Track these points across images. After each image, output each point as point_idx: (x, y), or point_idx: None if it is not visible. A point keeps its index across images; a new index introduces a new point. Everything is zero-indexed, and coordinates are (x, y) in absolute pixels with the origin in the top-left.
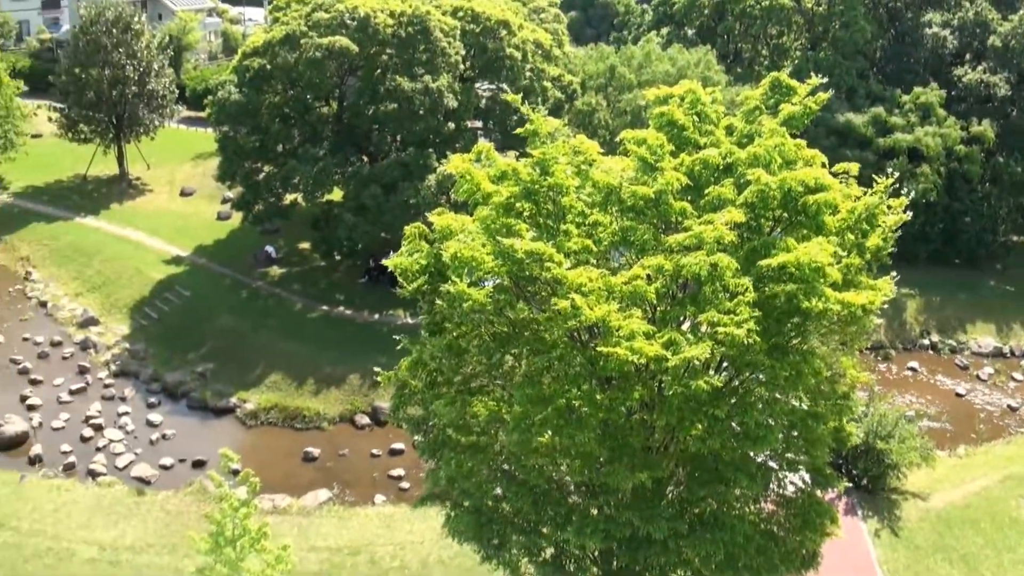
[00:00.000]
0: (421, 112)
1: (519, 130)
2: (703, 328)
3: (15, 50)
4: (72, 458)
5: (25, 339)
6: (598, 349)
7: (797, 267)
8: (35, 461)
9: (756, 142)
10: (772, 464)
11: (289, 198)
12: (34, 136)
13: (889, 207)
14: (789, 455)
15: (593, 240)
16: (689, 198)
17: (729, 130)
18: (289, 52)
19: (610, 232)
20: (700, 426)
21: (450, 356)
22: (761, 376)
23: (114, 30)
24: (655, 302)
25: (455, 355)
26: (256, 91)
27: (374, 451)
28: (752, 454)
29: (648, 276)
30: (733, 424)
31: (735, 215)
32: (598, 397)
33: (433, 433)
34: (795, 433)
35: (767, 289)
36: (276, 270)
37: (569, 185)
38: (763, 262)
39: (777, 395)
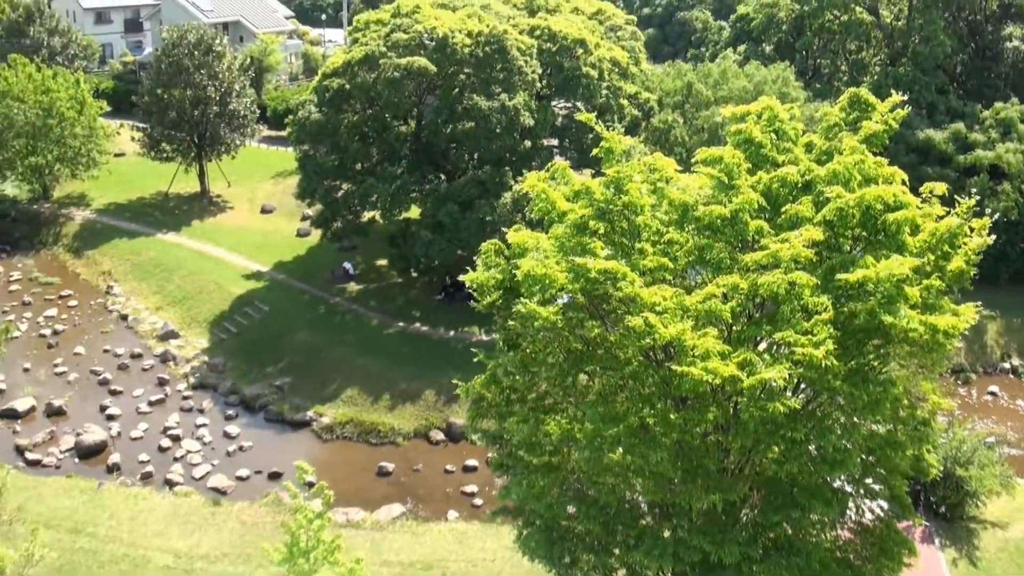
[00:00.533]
0: (498, 130)
1: (595, 151)
2: (780, 348)
3: (99, 72)
4: (150, 467)
5: (106, 351)
6: (672, 368)
7: (876, 283)
8: (113, 469)
9: (835, 159)
10: (849, 490)
11: (367, 216)
12: (117, 155)
13: (971, 229)
14: (866, 481)
15: (668, 258)
16: (766, 216)
17: (808, 147)
18: (368, 72)
19: (686, 251)
20: (776, 449)
21: (524, 373)
22: (839, 400)
23: (196, 52)
24: (730, 321)
25: (528, 372)
26: (336, 110)
27: (448, 467)
28: (828, 479)
29: (724, 295)
30: (810, 448)
31: (812, 233)
32: (672, 417)
33: (506, 449)
34: (873, 459)
35: (846, 308)
36: (354, 286)
37: (644, 204)
38: (841, 276)
39: (855, 419)
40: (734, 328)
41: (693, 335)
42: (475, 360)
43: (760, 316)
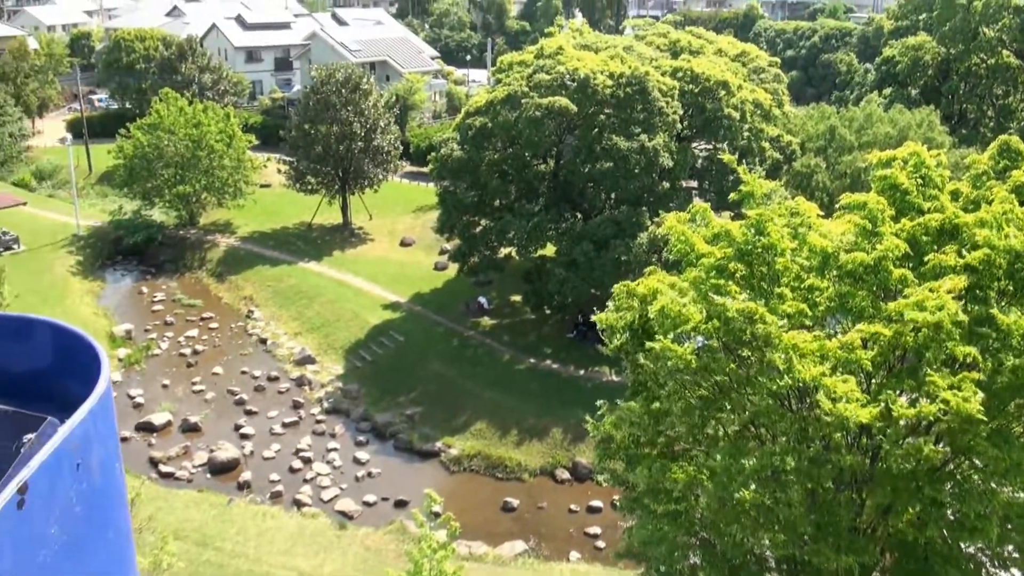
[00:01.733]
0: (636, 171)
1: (732, 195)
2: (923, 401)
3: (248, 107)
4: (279, 487)
5: (243, 372)
6: (811, 411)
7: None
8: (244, 487)
9: (983, 208)
10: (983, 559)
11: (503, 251)
12: (263, 186)
13: None
14: (1000, 551)
15: (808, 305)
16: (910, 265)
17: (954, 196)
18: (510, 111)
19: (826, 297)
20: (914, 509)
21: (652, 417)
22: (978, 462)
23: (343, 90)
24: (871, 371)
25: (657, 417)
26: (477, 148)
27: (572, 507)
28: (962, 546)
29: (864, 342)
30: (948, 512)
31: (957, 282)
32: (805, 464)
33: (632, 493)
34: (1010, 527)
35: (990, 363)
36: (487, 320)
37: (785, 247)
38: (996, 315)
39: (993, 484)
40: (873, 380)
41: (832, 380)
42: (603, 402)
43: (901, 368)
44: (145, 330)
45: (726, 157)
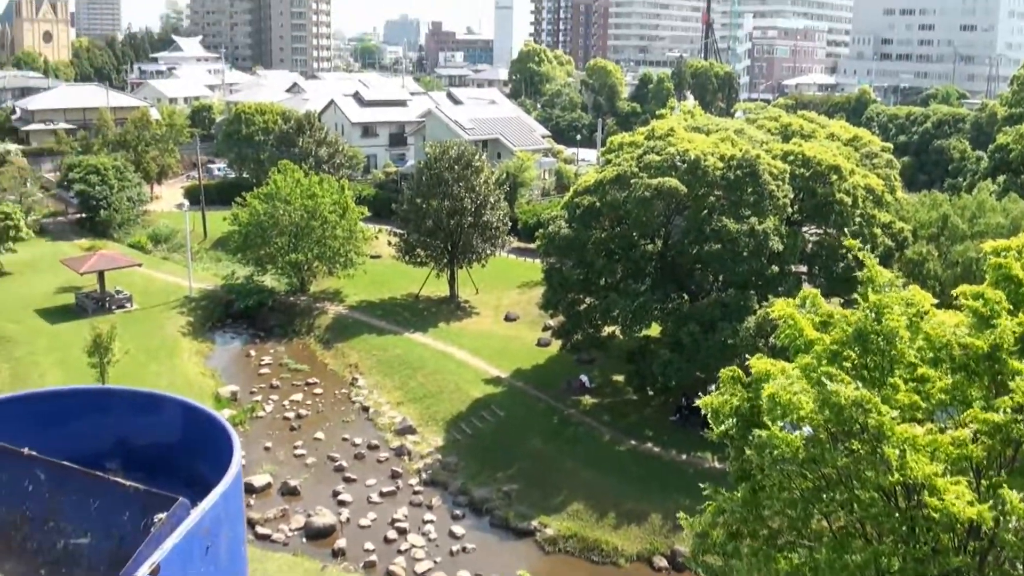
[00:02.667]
0: (745, 253)
1: (858, 273)
2: None
3: (362, 180)
4: (374, 556)
5: (344, 439)
6: (917, 510)
7: None
8: (338, 554)
9: None
10: None
11: (607, 330)
12: (373, 257)
13: None
14: None
15: (921, 397)
16: None
17: None
18: (619, 191)
19: (939, 389)
20: None
21: (755, 508)
22: None
23: (456, 166)
24: (982, 468)
25: (760, 508)
26: (584, 226)
27: None
28: None
29: (975, 436)
30: None
31: None
32: (911, 565)
33: None
34: None
35: None
36: (588, 399)
37: (903, 334)
38: None
39: None
40: (983, 481)
41: (944, 480)
42: (706, 485)
43: (1014, 466)
44: (251, 392)
45: (849, 242)
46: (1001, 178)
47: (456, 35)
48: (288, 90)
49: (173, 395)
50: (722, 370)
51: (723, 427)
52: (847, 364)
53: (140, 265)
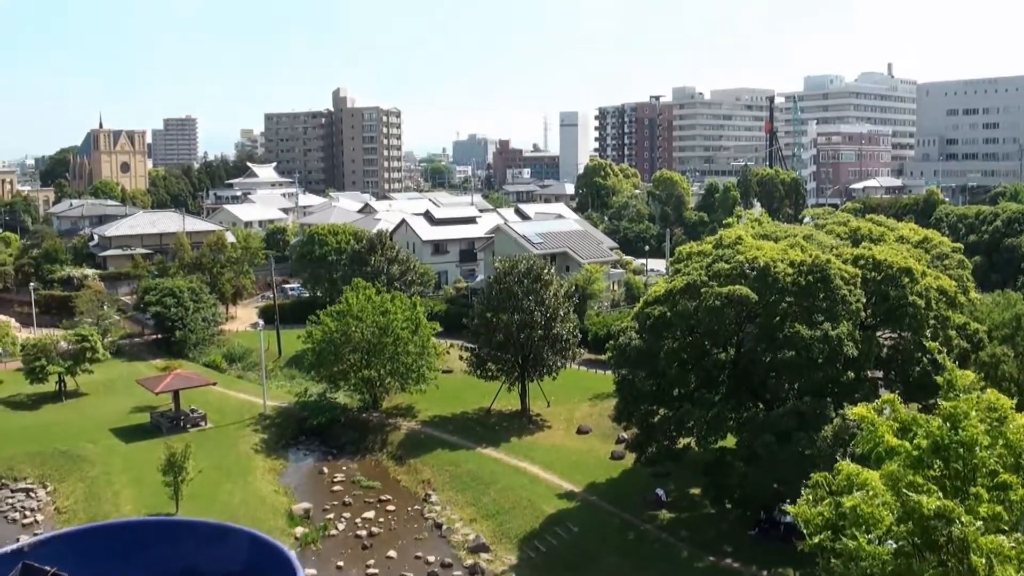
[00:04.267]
0: (819, 360)
1: (938, 378)
2: None
3: (433, 296)
4: None
5: (417, 557)
6: None
7: None
8: None
9: None
10: None
11: (682, 441)
12: (445, 371)
13: None
14: None
15: (1004, 507)
16: None
17: None
18: (689, 300)
19: (1021, 496)
20: None
21: None
22: None
23: (525, 280)
24: None
25: None
26: (656, 337)
27: None
28: None
29: None
30: None
31: None
32: None
33: None
34: None
35: None
36: (665, 514)
37: (982, 441)
38: None
39: None
40: None
41: None
42: None
43: None
44: (323, 510)
45: (931, 345)
46: None
47: (523, 152)
48: (360, 211)
49: (240, 527)
50: (813, 475)
51: (817, 539)
52: (931, 472)
53: (215, 384)
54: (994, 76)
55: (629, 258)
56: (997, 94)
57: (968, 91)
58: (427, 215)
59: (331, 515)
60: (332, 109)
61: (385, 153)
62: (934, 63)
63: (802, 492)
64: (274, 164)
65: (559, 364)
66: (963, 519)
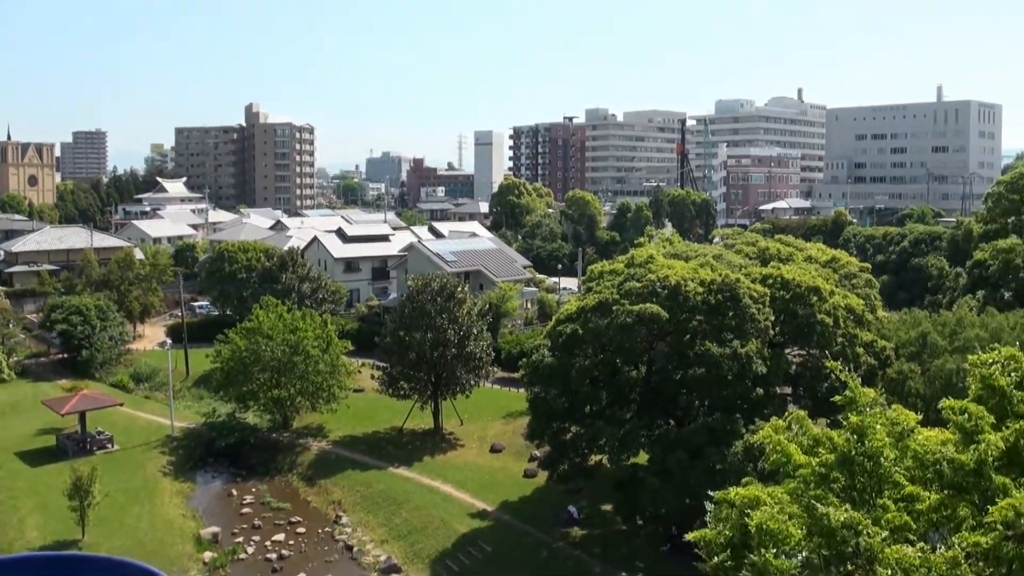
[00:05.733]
0: (729, 377)
1: (836, 398)
2: None
3: (345, 314)
4: None
5: None
6: None
7: None
8: None
9: None
10: None
11: (594, 459)
12: (356, 391)
13: None
14: None
15: (911, 517)
16: (1013, 476)
17: None
18: (601, 318)
19: (927, 507)
20: None
21: None
22: None
23: (438, 298)
24: None
25: None
26: (568, 354)
27: None
28: None
29: (967, 555)
30: None
31: None
32: None
33: None
34: None
35: None
36: (577, 531)
37: (888, 453)
38: None
39: None
40: None
41: None
42: None
43: None
44: (232, 533)
45: (831, 364)
46: (980, 293)
47: (437, 171)
48: (271, 228)
49: (138, 563)
50: (717, 493)
51: (718, 559)
52: (836, 487)
53: (122, 404)
54: (902, 103)
55: (542, 276)
56: (905, 120)
57: (876, 116)
58: (339, 232)
59: (240, 539)
60: (244, 124)
61: (297, 169)
62: (843, 89)
63: (707, 511)
64: (184, 179)
65: (472, 382)
66: (870, 530)
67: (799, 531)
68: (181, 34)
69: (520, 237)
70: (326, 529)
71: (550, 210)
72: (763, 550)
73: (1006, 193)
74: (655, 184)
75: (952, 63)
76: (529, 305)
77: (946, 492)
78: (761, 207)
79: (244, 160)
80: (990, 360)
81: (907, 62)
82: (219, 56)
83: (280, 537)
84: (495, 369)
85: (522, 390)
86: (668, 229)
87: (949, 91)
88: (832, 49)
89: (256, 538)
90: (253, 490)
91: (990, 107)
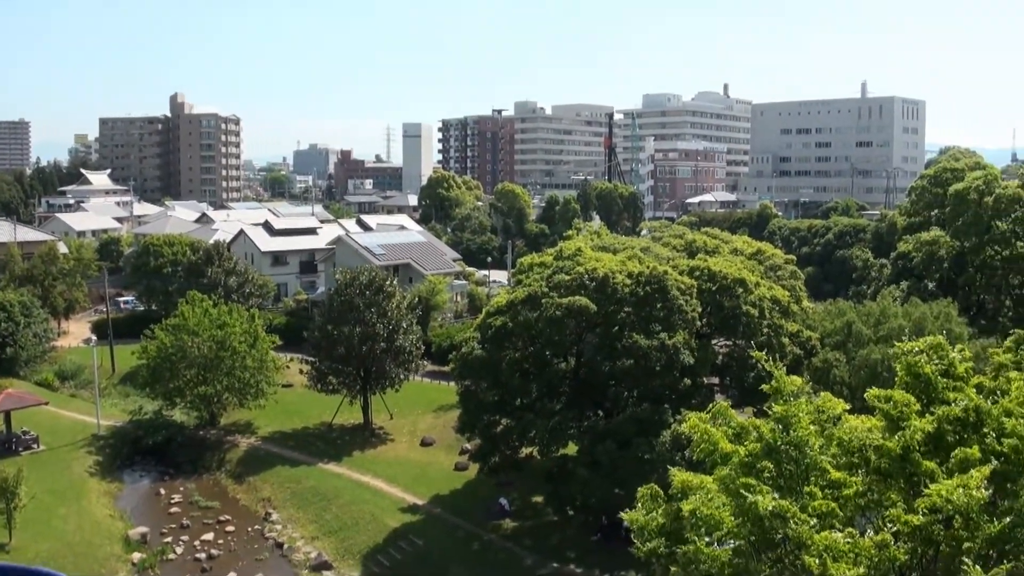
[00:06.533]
0: (657, 368)
1: (764, 386)
2: None
3: (272, 309)
4: None
5: None
6: None
7: None
8: None
9: (1005, 398)
10: None
11: (525, 451)
12: (285, 386)
13: None
14: None
15: (838, 504)
16: (938, 460)
17: (979, 388)
18: (530, 311)
19: (854, 492)
20: None
21: None
22: None
23: (367, 292)
24: (905, 570)
25: None
26: (498, 347)
27: None
28: None
29: (895, 538)
30: None
31: (984, 471)
32: None
33: None
34: None
35: None
36: (509, 523)
37: (814, 442)
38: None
39: None
40: None
41: None
42: None
43: (934, 567)
44: (161, 533)
45: (756, 354)
46: (904, 283)
47: (365, 163)
48: (197, 221)
49: (51, 572)
50: (640, 489)
51: (651, 544)
52: (765, 475)
53: (47, 403)
54: (827, 98)
55: (472, 269)
56: (830, 115)
57: (802, 112)
58: (266, 225)
59: (169, 538)
60: (169, 115)
61: (223, 161)
62: (769, 85)
63: (637, 499)
64: (109, 171)
65: (402, 376)
66: (798, 517)
67: (731, 518)
68: (106, 20)
69: (449, 230)
70: (256, 527)
71: (479, 203)
72: (695, 539)
73: (929, 187)
74: (583, 177)
75: (877, 60)
76: (459, 298)
77: (872, 477)
78: (688, 200)
79: (169, 152)
80: (915, 349)
81: (832, 59)
82: (144, 43)
83: (209, 536)
84: (425, 363)
85: (452, 383)
86: (596, 222)
87: (873, 87)
88: (758, 45)
89: (185, 538)
90: (181, 489)
91: (914, 103)
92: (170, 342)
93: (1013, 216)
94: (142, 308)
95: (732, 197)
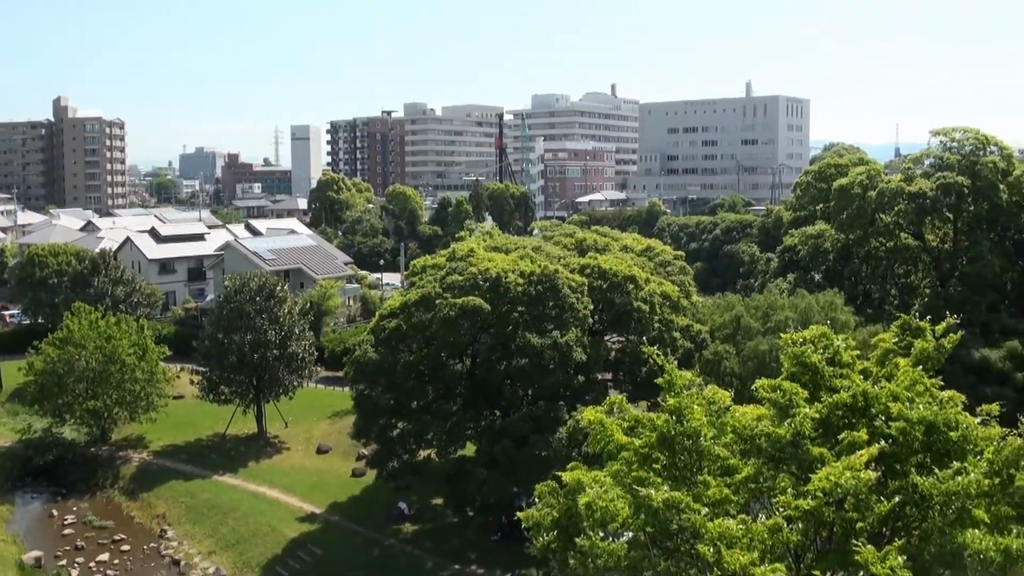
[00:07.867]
0: (551, 366)
1: (657, 380)
2: None
3: (161, 318)
4: None
5: None
6: None
7: (947, 498)
8: None
9: (892, 382)
10: None
11: (422, 454)
12: (176, 397)
13: None
14: None
15: (731, 490)
16: (828, 446)
17: (864, 374)
18: (424, 312)
19: (746, 478)
20: None
21: None
22: None
23: (257, 298)
24: (801, 551)
25: None
26: (392, 350)
27: None
28: None
29: (788, 522)
30: None
31: (872, 450)
32: None
33: None
34: None
35: (916, 533)
36: (409, 527)
37: (707, 431)
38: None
39: None
40: (802, 564)
41: (762, 568)
42: None
43: (828, 548)
44: (55, 556)
45: (647, 349)
46: (791, 276)
47: (253, 167)
48: (82, 229)
49: None
50: (538, 486)
51: (545, 540)
52: (657, 466)
53: None
54: (713, 98)
55: (364, 272)
56: (716, 114)
57: (688, 111)
58: (153, 232)
59: (64, 561)
60: (52, 119)
61: (108, 167)
62: (655, 85)
63: (535, 496)
64: None
65: (296, 383)
66: (691, 507)
67: (626, 509)
68: None
69: (340, 233)
70: (152, 545)
71: (370, 205)
72: (590, 532)
73: (814, 182)
74: (475, 178)
75: (761, 59)
76: (352, 302)
77: (764, 463)
78: (578, 199)
79: (53, 157)
80: (801, 339)
81: (718, 59)
82: (26, 42)
83: (105, 557)
84: (319, 369)
85: (347, 389)
86: (488, 222)
87: (758, 86)
88: (643, 45)
89: (80, 559)
90: (75, 509)
91: (798, 101)
92: (57, 356)
93: (896, 209)
94: (28, 321)
95: (622, 195)
